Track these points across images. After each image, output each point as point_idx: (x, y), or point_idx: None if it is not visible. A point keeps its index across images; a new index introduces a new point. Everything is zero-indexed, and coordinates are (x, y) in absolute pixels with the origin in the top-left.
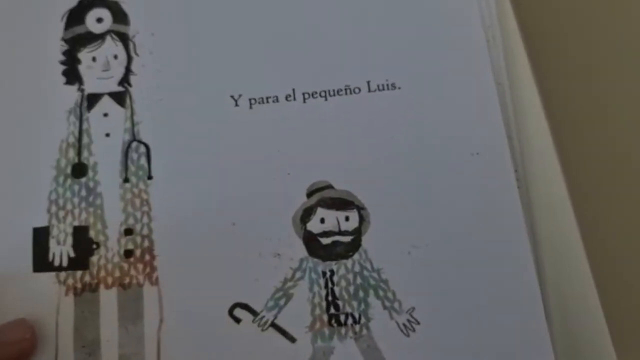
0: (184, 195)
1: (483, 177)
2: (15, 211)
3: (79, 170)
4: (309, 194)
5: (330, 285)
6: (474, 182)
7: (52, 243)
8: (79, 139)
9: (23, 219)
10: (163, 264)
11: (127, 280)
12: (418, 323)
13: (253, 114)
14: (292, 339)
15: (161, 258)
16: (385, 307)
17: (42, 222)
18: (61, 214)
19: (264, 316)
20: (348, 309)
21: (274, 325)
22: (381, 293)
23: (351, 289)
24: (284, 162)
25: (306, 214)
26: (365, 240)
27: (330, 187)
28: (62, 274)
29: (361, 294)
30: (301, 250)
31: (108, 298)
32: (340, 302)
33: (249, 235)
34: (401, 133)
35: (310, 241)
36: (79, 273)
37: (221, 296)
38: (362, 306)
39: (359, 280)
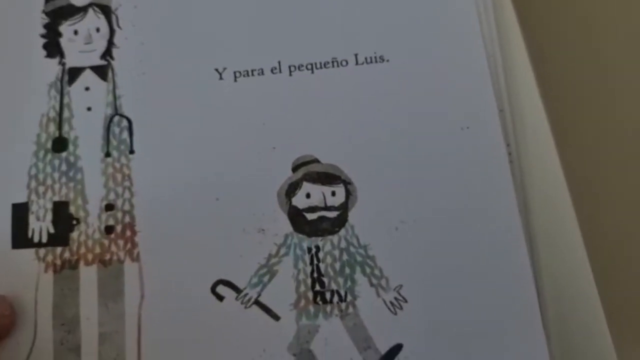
0: (166, 169)
1: (473, 152)
2: None
3: (60, 144)
4: (295, 169)
5: (315, 261)
6: (464, 157)
7: (32, 219)
8: (60, 113)
9: (2, 194)
10: (144, 240)
11: (107, 256)
12: (405, 301)
13: (238, 87)
14: (276, 317)
15: (142, 234)
16: (372, 285)
17: (21, 198)
18: (41, 189)
19: (247, 293)
20: (334, 286)
21: (257, 302)
22: (368, 270)
23: (337, 265)
24: (269, 136)
25: (291, 188)
26: (352, 215)
27: (316, 161)
28: (42, 251)
29: (347, 270)
30: (286, 226)
31: (88, 275)
32: (325, 279)
33: (233, 210)
34: (389, 107)
35: (296, 216)
36: (58, 249)
37: (204, 273)
38: (348, 283)
39: (345, 257)
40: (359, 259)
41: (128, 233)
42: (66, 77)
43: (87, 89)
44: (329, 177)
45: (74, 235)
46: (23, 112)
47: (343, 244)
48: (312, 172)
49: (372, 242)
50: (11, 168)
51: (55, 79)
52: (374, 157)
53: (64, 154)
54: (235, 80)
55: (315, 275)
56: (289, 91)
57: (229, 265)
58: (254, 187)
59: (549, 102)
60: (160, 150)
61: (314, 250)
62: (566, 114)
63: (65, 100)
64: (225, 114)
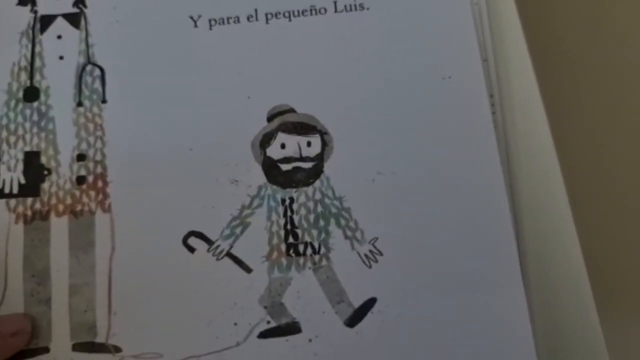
0: (139, 119)
1: (455, 102)
2: None
3: (31, 94)
4: (270, 118)
5: (289, 213)
6: (445, 107)
7: (3, 169)
8: (32, 62)
9: None
10: (116, 191)
11: (79, 207)
12: (381, 254)
13: (213, 35)
14: (248, 269)
15: (114, 184)
16: (346, 237)
17: None
18: (12, 139)
19: (219, 245)
20: (307, 239)
21: (229, 255)
22: (343, 222)
23: (311, 217)
24: (244, 85)
25: (266, 138)
26: (328, 166)
27: (292, 111)
28: (12, 201)
29: (321, 222)
30: (260, 177)
31: (59, 226)
32: (299, 231)
33: (206, 160)
34: (368, 55)
35: (270, 167)
36: (29, 200)
37: (175, 224)
38: (322, 235)
39: (319, 209)
40: (333, 210)
41: (100, 184)
42: (38, 25)
43: (59, 37)
44: (304, 127)
45: (45, 185)
46: None
47: (318, 196)
48: (288, 122)
49: (347, 194)
50: None
51: (27, 27)
52: (351, 107)
53: (35, 104)
54: (211, 29)
55: (288, 227)
56: (266, 40)
57: (201, 217)
58: (227, 138)
59: (536, 49)
60: (133, 99)
61: (287, 201)
62: (554, 62)
63: (37, 48)
64: (200, 62)
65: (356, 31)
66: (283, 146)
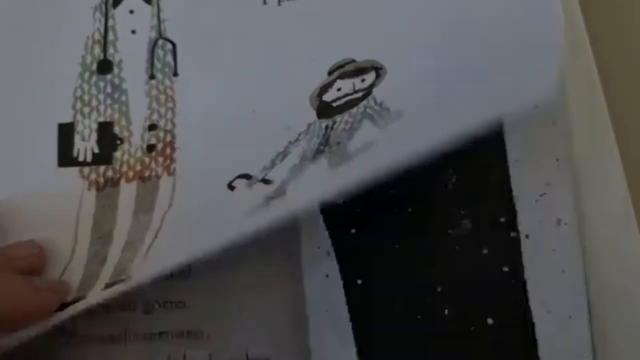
0: (209, 92)
1: None
2: (41, 107)
3: (105, 66)
4: (330, 72)
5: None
6: None
7: (77, 139)
8: (105, 36)
9: (48, 115)
10: (182, 155)
11: (147, 173)
12: None
13: (282, 11)
14: None
15: (180, 150)
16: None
17: (67, 118)
18: (86, 110)
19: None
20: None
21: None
22: (373, 114)
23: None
24: (314, 63)
25: (323, 90)
26: (377, 90)
27: (352, 61)
28: (86, 169)
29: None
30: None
31: (127, 191)
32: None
33: (268, 122)
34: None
35: (324, 108)
36: (102, 168)
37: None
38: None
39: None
40: (369, 112)
41: (168, 151)
42: (111, 0)
43: (131, 12)
44: (362, 70)
45: (117, 154)
46: (68, 35)
47: (360, 109)
48: (347, 70)
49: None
50: (57, 89)
51: (100, 1)
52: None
53: (108, 76)
54: (279, 4)
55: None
56: (334, 16)
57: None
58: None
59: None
60: (204, 73)
61: (330, 124)
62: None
63: (110, 22)
64: (269, 38)
65: None
66: (339, 89)
